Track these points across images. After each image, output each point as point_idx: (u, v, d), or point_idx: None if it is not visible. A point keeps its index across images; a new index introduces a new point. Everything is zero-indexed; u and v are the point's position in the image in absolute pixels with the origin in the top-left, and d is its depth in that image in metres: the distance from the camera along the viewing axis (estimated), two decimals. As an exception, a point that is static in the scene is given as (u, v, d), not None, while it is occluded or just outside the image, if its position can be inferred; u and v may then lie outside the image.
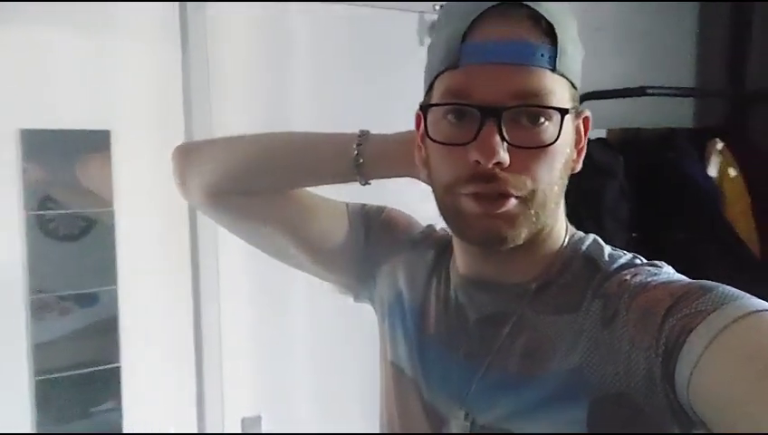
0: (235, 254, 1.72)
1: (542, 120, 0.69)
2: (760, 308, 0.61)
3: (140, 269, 1.63)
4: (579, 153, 0.76)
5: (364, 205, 0.99)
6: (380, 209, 0.99)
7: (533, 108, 0.68)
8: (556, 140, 0.69)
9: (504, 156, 0.67)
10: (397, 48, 1.94)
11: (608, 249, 0.78)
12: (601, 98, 2.03)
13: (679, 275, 0.72)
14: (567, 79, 0.70)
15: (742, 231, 2.17)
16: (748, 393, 0.57)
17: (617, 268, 0.74)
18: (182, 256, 1.69)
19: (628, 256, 0.77)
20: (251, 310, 1.79)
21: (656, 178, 2.12)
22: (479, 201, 0.70)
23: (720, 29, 2.52)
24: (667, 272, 0.73)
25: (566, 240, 0.79)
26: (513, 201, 0.69)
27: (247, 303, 1.79)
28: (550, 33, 0.68)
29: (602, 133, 2.21)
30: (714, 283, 0.66)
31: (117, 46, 1.59)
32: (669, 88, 2.24)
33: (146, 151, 1.63)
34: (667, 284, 0.68)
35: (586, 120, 0.77)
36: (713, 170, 2.26)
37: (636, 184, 2.10)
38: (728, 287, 0.64)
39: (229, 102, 1.71)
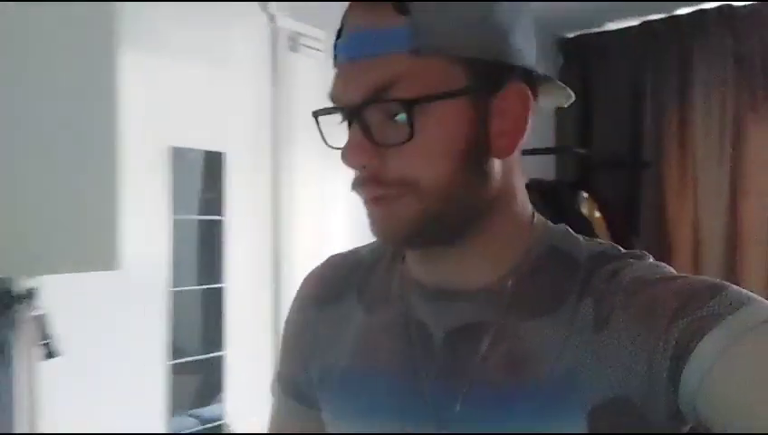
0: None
1: (399, 113, 0.62)
2: None
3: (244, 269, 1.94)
4: (505, 135, 0.66)
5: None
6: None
7: (382, 103, 0.62)
8: (410, 135, 0.61)
9: (363, 157, 0.63)
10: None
11: (581, 239, 0.72)
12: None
13: (668, 267, 0.68)
14: (445, 55, 0.62)
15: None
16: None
17: (597, 261, 0.69)
18: (266, 261, 2.03)
19: (605, 244, 0.72)
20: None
21: (555, 214, 2.88)
22: (368, 205, 0.67)
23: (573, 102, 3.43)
24: (652, 262, 0.69)
25: (531, 232, 0.71)
26: (395, 200, 0.64)
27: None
28: (405, 9, 0.61)
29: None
30: (719, 282, 0.63)
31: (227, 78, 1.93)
32: (545, 148, 3.06)
33: (244, 172, 1.97)
34: (667, 280, 0.64)
35: (512, 95, 0.65)
36: (585, 212, 3.11)
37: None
38: (735, 287, 0.62)
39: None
